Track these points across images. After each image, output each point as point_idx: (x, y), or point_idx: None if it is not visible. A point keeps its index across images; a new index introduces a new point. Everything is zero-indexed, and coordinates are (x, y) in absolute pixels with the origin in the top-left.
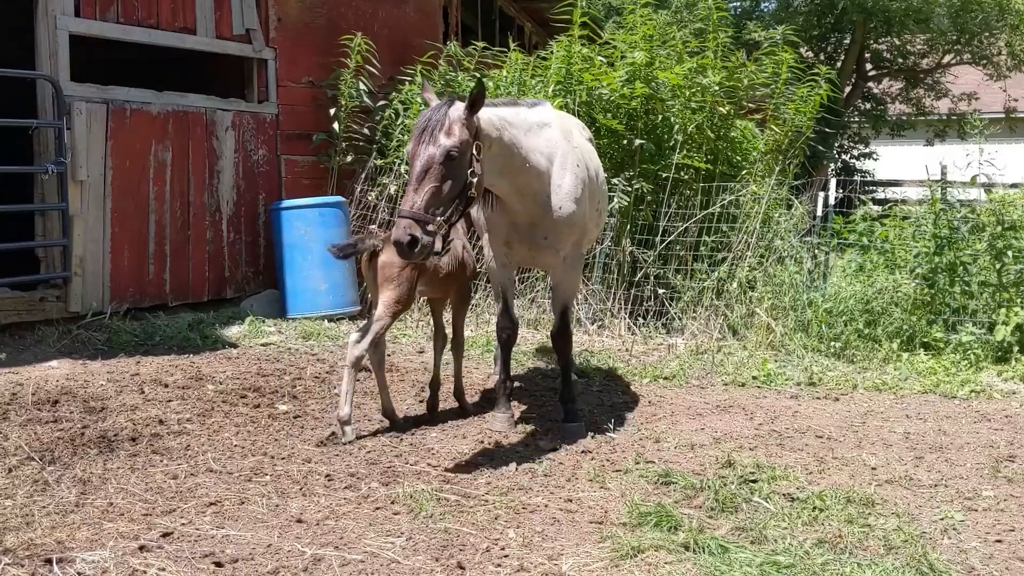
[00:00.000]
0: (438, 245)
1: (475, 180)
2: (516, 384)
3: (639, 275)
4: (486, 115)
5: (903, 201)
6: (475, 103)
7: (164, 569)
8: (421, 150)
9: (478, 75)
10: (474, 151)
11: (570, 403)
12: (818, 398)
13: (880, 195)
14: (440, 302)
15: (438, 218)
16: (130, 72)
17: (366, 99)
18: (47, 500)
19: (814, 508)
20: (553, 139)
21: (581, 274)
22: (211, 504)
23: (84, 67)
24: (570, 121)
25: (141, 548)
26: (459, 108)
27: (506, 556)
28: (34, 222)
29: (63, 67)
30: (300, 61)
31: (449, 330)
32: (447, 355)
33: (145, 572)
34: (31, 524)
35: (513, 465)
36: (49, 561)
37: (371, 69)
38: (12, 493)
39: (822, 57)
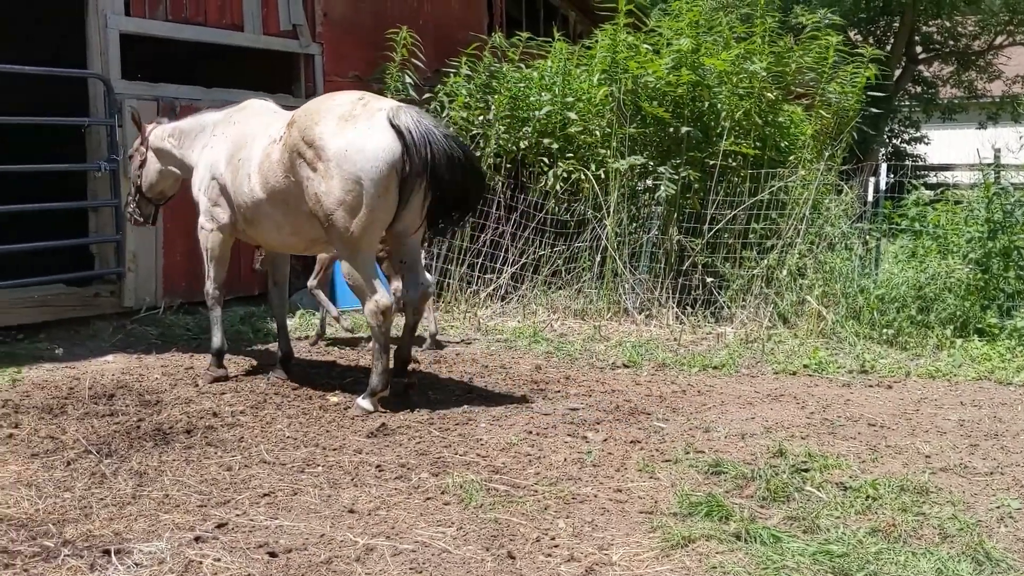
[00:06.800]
0: (136, 218)
1: (138, 174)
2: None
3: (687, 264)
4: (157, 130)
5: (955, 185)
6: (137, 125)
7: (219, 559)
8: None
9: (522, 66)
10: (138, 155)
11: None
12: (870, 386)
13: (932, 179)
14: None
15: (128, 198)
16: (173, 69)
17: (412, 92)
18: (104, 492)
19: (867, 497)
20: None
21: (210, 253)
22: (265, 495)
23: (131, 64)
24: (242, 112)
25: (197, 539)
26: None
27: (556, 546)
28: (88, 219)
29: (114, 65)
30: (346, 56)
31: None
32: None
33: (201, 563)
34: (89, 516)
35: (562, 455)
36: (107, 552)
37: (416, 62)
38: (71, 485)
39: (871, 40)
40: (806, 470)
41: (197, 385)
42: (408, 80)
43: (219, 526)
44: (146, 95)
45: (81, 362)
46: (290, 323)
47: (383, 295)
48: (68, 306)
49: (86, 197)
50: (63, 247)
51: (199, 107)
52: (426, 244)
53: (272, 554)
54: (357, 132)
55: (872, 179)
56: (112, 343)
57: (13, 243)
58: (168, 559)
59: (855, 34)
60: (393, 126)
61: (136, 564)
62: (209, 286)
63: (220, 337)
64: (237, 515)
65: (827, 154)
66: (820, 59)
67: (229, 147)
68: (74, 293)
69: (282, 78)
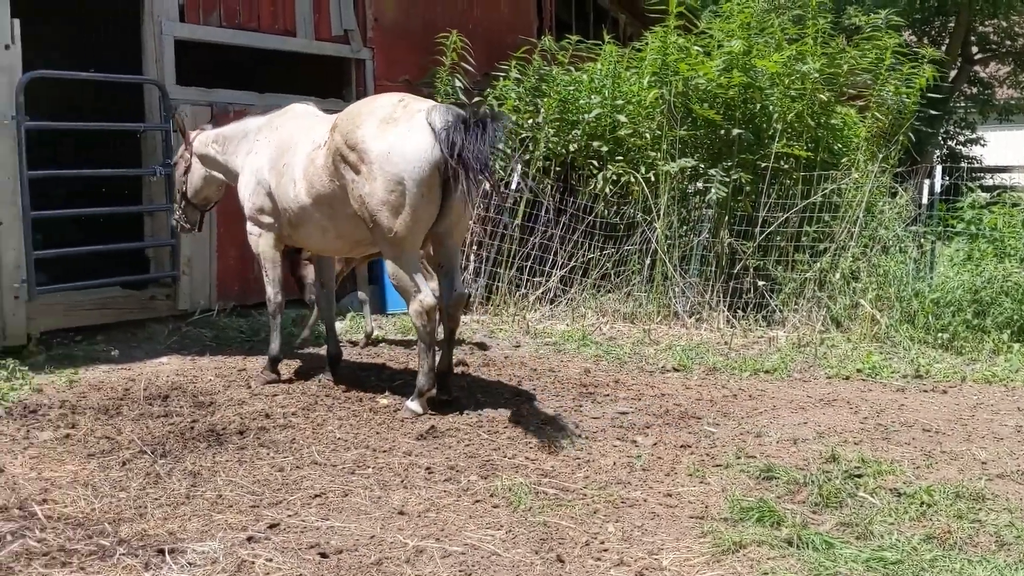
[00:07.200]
0: (183, 225)
1: (184, 180)
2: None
3: (738, 267)
4: (201, 136)
5: (1012, 187)
6: (181, 132)
7: (271, 560)
8: None
9: (571, 69)
10: (183, 162)
11: None
12: (925, 391)
13: (988, 181)
14: None
15: (175, 206)
16: (231, 76)
17: (462, 96)
18: (159, 492)
19: (922, 503)
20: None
21: (263, 257)
22: (316, 496)
23: (188, 70)
24: (283, 117)
25: (249, 539)
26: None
27: (605, 550)
28: (143, 223)
29: (168, 71)
30: (397, 60)
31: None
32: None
33: (253, 563)
34: (144, 515)
35: (611, 459)
36: (161, 552)
37: (466, 66)
38: (126, 485)
39: (925, 41)
40: (859, 476)
41: (250, 387)
42: (458, 84)
43: (271, 526)
44: (200, 100)
45: (136, 364)
46: (337, 325)
47: (427, 295)
48: (124, 309)
49: (141, 202)
50: (119, 251)
51: (253, 112)
52: (476, 247)
53: (323, 555)
54: (398, 134)
55: (927, 181)
56: (167, 345)
57: (71, 246)
58: (221, 559)
59: (909, 34)
60: (430, 125)
61: (189, 564)
62: (270, 292)
63: (278, 344)
64: (289, 516)
65: (881, 156)
66: (876, 60)
67: (272, 152)
68: (130, 296)
69: (334, 83)
